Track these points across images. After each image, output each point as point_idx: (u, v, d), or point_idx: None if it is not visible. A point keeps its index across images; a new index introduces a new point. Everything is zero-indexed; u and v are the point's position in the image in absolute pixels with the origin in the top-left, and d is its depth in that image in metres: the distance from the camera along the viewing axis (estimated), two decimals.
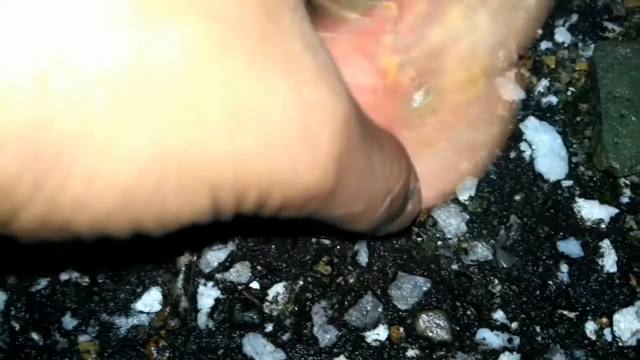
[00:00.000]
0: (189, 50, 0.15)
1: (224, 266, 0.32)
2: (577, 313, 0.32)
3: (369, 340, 0.31)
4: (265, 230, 0.33)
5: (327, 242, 0.33)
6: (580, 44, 0.38)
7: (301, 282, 0.32)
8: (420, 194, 0.27)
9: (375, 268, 0.33)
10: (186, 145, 0.15)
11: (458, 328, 0.31)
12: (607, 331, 0.32)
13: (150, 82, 0.15)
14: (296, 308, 0.32)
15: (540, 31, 0.38)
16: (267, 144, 0.17)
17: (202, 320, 0.32)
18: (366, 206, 0.22)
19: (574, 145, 0.35)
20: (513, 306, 0.32)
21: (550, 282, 0.32)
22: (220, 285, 0.32)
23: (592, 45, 0.37)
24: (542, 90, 0.37)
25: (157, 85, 0.15)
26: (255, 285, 0.32)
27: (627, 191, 0.34)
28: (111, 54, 0.14)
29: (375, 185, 0.22)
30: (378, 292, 0.32)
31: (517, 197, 0.34)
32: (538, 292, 0.32)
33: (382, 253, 0.33)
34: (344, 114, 0.18)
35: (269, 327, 0.31)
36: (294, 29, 0.17)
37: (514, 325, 0.32)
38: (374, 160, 0.21)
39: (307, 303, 0.32)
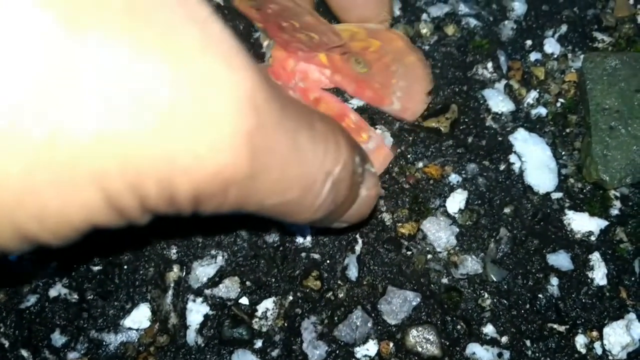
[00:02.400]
0: (36, 31, 0.14)
1: (213, 282, 0.32)
2: (567, 327, 0.32)
3: (358, 355, 0.31)
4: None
5: (316, 256, 0.33)
6: (569, 55, 0.38)
7: (291, 298, 0.32)
8: (376, 179, 0.25)
9: (364, 282, 0.33)
10: (52, 131, 0.14)
11: (448, 343, 0.31)
12: (597, 345, 0.32)
13: None
14: (286, 324, 0.32)
15: (529, 42, 0.38)
16: (154, 125, 0.15)
17: (192, 336, 0.31)
18: (303, 192, 0.20)
19: (564, 157, 0.35)
20: (503, 320, 0.32)
21: (540, 296, 0.32)
22: (210, 301, 0.32)
23: (582, 56, 0.38)
24: (531, 101, 0.37)
25: (6, 62, 0.14)
26: (244, 300, 0.32)
27: (617, 203, 0.34)
28: None
29: (307, 168, 0.20)
30: (368, 307, 0.32)
31: (507, 210, 0.34)
32: (528, 306, 0.32)
33: (371, 267, 0.33)
34: (245, 88, 0.17)
35: (259, 343, 0.31)
36: (170, 1, 0.16)
37: (504, 339, 0.32)
38: (300, 140, 0.19)
39: (297, 319, 0.32)
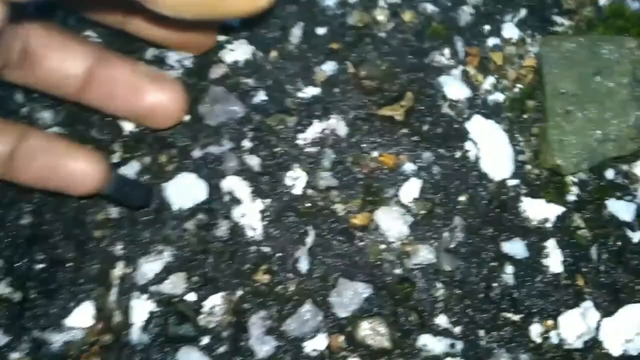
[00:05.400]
0: None
1: (159, 278, 0.31)
2: (522, 316, 0.31)
3: (307, 350, 0.30)
4: None
5: (267, 249, 0.32)
6: (528, 40, 0.37)
7: (239, 293, 0.31)
8: None
9: (315, 275, 0.32)
10: None
11: (399, 334, 0.31)
12: (553, 333, 0.31)
13: None
14: (234, 319, 0.31)
15: (488, 27, 0.38)
16: None
17: (136, 334, 0.31)
18: None
19: (521, 144, 0.35)
20: (456, 310, 0.31)
21: (494, 285, 0.32)
22: (155, 298, 0.31)
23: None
24: (488, 87, 0.36)
25: None
26: (191, 297, 0.31)
27: (574, 189, 0.34)
28: None
29: None
30: (318, 300, 0.31)
31: (462, 198, 0.33)
32: (482, 295, 0.31)
33: (323, 259, 0.32)
34: None
35: (205, 340, 0.30)
36: None
37: (457, 329, 0.31)
38: None
39: (245, 314, 0.31)
